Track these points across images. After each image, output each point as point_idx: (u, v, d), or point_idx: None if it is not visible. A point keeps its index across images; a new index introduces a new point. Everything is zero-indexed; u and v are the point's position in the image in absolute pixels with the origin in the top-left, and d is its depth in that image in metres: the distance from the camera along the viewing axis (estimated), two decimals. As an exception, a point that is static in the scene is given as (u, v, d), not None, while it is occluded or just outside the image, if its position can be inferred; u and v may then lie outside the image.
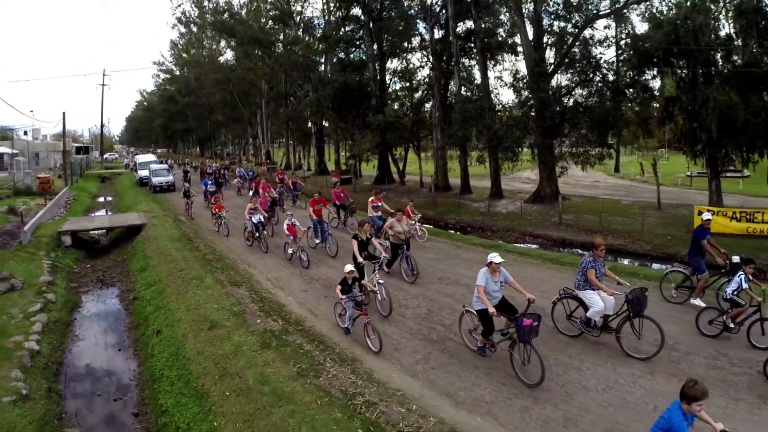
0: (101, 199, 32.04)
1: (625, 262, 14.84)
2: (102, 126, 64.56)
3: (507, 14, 22.51)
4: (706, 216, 8.93)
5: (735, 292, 7.33)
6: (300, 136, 41.43)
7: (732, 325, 7.28)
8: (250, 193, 19.66)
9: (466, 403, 5.76)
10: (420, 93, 28.69)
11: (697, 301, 8.56)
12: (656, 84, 21.24)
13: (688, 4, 17.81)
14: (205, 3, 44.43)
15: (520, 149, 22.58)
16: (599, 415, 5.47)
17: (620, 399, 5.78)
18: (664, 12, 19.21)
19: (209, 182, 23.46)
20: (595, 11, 21.65)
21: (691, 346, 7.00)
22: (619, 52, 21.84)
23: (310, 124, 36.55)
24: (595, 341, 7.22)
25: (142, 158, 39.87)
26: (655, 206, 21.17)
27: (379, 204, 13.66)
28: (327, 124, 36.47)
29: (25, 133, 57.58)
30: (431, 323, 8.04)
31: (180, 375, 7.43)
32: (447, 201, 24.06)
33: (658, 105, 21.79)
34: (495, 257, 6.67)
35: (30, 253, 14.81)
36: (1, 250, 14.81)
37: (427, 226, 16.25)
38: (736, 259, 8.12)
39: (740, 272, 7.33)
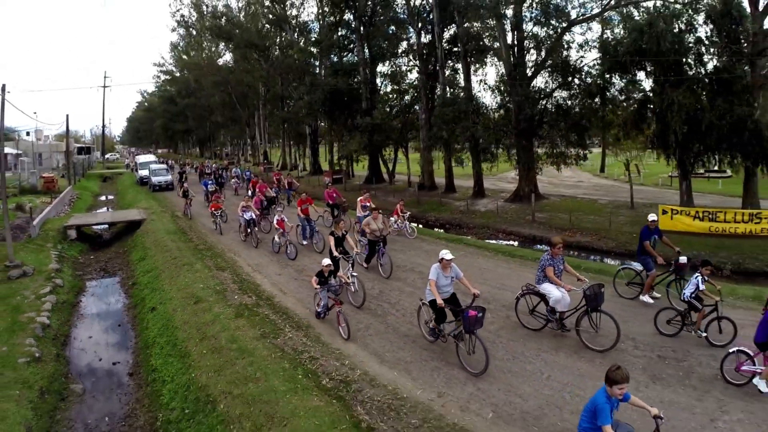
0: (103, 198, 33.85)
1: (583, 256, 16.27)
2: (103, 127, 66.68)
3: (488, 21, 23.90)
4: (651, 217, 9.57)
5: (693, 294, 7.50)
6: (295, 137, 43.17)
7: (704, 333, 7.44)
8: (249, 192, 20.68)
9: (389, 362, 7.21)
10: (409, 96, 30.22)
11: (646, 298, 9.09)
12: (646, 86, 22.42)
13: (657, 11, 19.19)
14: (204, 7, 46.21)
15: (498, 150, 24.04)
16: (497, 378, 6.53)
17: (520, 367, 6.76)
18: (635, 18, 20.61)
19: (210, 182, 24.70)
20: (573, 17, 23.03)
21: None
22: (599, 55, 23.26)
23: (305, 126, 38.25)
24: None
25: (142, 158, 41.77)
26: (628, 205, 22.57)
27: (368, 204, 14.49)
28: (323, 124, 38.10)
29: (28, 134, 59.48)
30: (380, 301, 9.55)
31: (168, 341, 9.02)
32: (431, 200, 25.58)
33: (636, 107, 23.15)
34: (446, 254, 7.23)
35: (39, 245, 16.51)
36: (13, 242, 16.50)
37: (414, 224, 17.62)
38: (683, 259, 8.55)
39: (697, 274, 7.52)
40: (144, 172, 33.98)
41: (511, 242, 18.52)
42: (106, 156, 71.85)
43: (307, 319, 8.74)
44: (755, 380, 6.22)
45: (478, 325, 6.85)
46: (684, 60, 19.05)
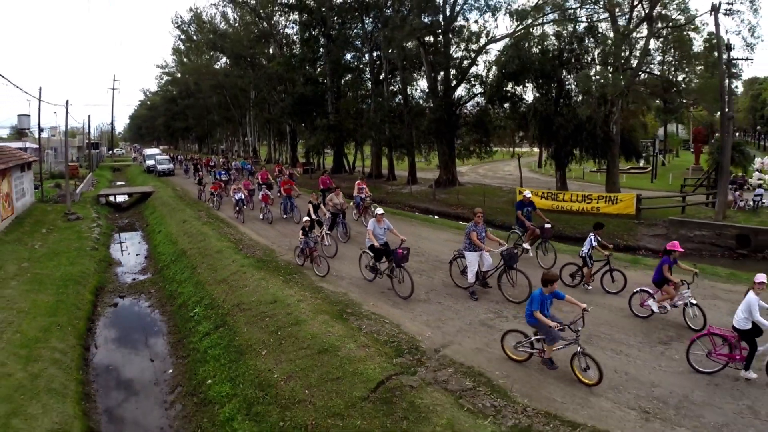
0: (117, 183, 43.62)
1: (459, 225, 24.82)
2: (112, 126, 77.39)
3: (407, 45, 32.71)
4: (527, 193, 12.84)
5: (588, 251, 9.41)
6: (277, 134, 52.74)
7: (589, 287, 9.45)
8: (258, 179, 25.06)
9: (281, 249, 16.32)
10: (365, 102, 39.28)
11: (527, 245, 12.04)
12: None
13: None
14: (204, 16, 55.69)
15: (422, 146, 32.96)
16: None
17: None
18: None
19: (222, 173, 31.31)
20: (486, 39, 31.42)
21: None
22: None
23: (286, 125, 47.57)
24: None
25: (148, 151, 51.94)
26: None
27: (363, 186, 18.73)
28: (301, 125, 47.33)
29: (41, 130, 69.75)
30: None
31: (167, 239, 18.27)
32: (372, 185, 34.37)
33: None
34: (379, 210, 10.80)
35: (81, 205, 25.98)
36: (65, 203, 25.96)
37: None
38: (547, 226, 11.72)
39: (591, 234, 9.57)
40: (150, 162, 43.81)
41: (410, 212, 26.97)
42: (113, 151, 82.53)
43: (235, 224, 18.04)
44: (648, 302, 8.28)
45: (404, 261, 9.63)
46: (550, 75, 26.72)
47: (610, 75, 22.24)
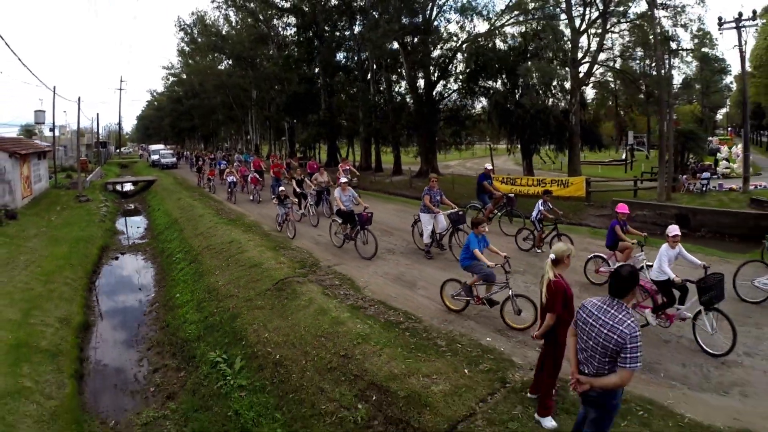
0: (125, 177, 47.83)
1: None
2: (120, 125, 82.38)
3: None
4: (488, 165, 14.09)
5: (537, 216, 10.14)
6: (276, 131, 56.60)
7: (540, 251, 10.23)
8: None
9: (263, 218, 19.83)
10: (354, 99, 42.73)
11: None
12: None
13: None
14: (207, 20, 59.68)
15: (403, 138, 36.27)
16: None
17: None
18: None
19: (223, 162, 34.80)
20: (463, 38, 34.53)
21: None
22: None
23: (284, 122, 51.27)
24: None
25: (153, 147, 56.56)
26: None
27: (348, 168, 19.77)
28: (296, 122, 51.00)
29: (51, 129, 74.80)
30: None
31: (164, 213, 21.83)
32: (359, 175, 37.86)
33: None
34: (343, 179, 11.99)
35: (90, 191, 29.86)
36: (76, 189, 29.88)
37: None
38: (511, 195, 13.50)
39: (540, 200, 10.29)
40: (155, 157, 48.22)
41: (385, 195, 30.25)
42: (121, 150, 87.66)
43: (221, 201, 21.58)
44: (602, 268, 8.52)
45: (368, 223, 10.72)
46: (513, 69, 29.45)
47: (557, 69, 25.27)
